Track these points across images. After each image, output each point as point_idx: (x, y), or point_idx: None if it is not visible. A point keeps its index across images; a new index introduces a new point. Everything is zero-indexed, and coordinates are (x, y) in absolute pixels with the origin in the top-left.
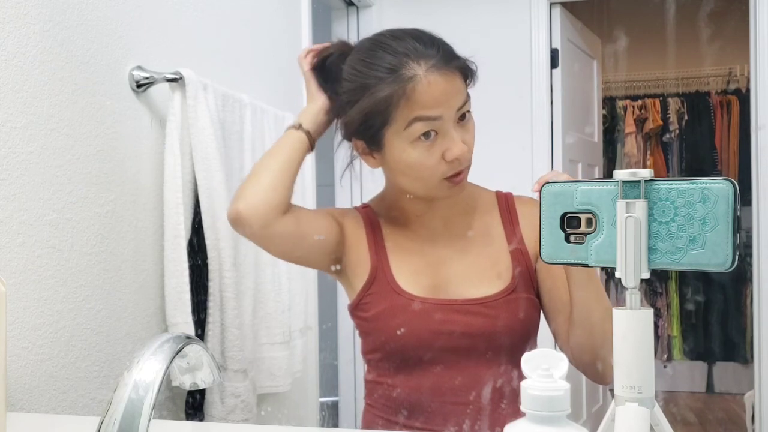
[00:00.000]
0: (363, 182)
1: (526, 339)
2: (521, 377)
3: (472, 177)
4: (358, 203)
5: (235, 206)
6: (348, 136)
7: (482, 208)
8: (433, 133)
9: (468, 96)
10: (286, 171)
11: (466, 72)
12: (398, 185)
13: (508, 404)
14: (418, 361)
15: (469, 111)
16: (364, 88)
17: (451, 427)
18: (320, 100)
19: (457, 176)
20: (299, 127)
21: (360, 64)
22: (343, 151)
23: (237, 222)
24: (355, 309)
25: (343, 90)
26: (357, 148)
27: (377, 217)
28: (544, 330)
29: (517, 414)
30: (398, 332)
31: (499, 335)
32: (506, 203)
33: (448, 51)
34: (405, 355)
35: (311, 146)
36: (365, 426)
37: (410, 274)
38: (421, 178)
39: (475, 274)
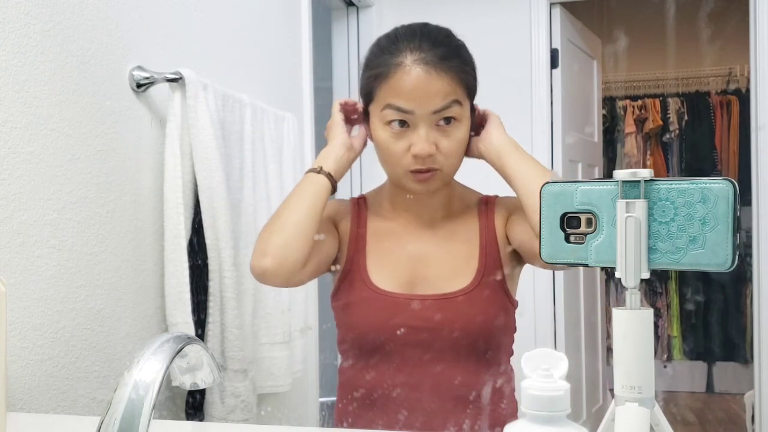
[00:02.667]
0: (363, 181)
1: (486, 337)
2: (480, 374)
3: (472, 176)
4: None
5: (260, 263)
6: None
7: (466, 209)
8: (406, 124)
9: (455, 102)
10: (309, 220)
11: (458, 76)
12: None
13: (471, 402)
14: (379, 354)
15: (455, 118)
16: (371, 63)
17: (413, 420)
18: (341, 136)
19: (420, 173)
20: (320, 170)
21: (369, 52)
22: None
23: (263, 278)
24: (332, 299)
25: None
26: (361, 117)
27: (366, 210)
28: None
29: (480, 413)
30: (361, 324)
31: (456, 334)
32: (486, 204)
33: (447, 51)
34: (365, 346)
35: (334, 189)
36: (337, 413)
37: (385, 268)
38: (388, 162)
39: (443, 272)
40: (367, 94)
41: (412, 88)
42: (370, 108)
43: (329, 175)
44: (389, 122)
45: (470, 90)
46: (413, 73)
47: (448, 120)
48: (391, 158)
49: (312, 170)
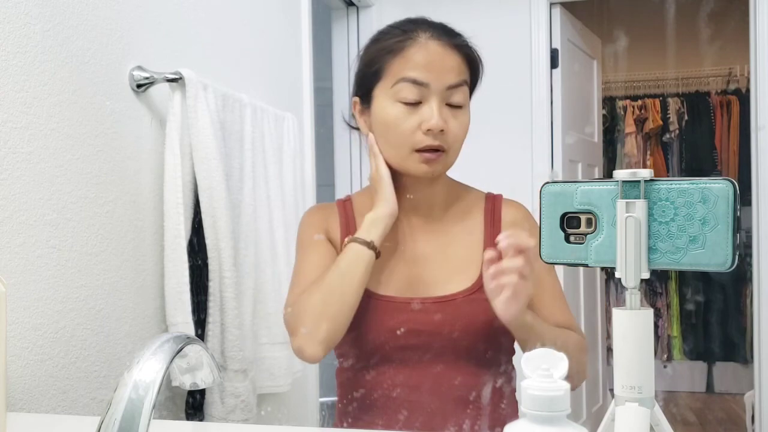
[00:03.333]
0: (362, 182)
1: (487, 340)
2: (480, 375)
3: (472, 176)
4: None
5: (314, 352)
6: (354, 92)
7: (467, 208)
8: (417, 102)
9: (464, 82)
10: (359, 300)
11: (467, 56)
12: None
13: (471, 403)
14: (379, 354)
15: (462, 106)
16: (373, 43)
17: (413, 421)
18: (390, 204)
19: (429, 152)
20: (371, 245)
21: (376, 35)
22: (343, 149)
23: (309, 361)
24: None
25: (358, 57)
26: (354, 109)
27: (353, 212)
28: None
29: (480, 413)
30: (358, 328)
31: (456, 335)
32: (493, 205)
33: (452, 31)
34: (364, 348)
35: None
36: (338, 413)
37: (381, 270)
38: (394, 143)
39: (443, 273)
40: (374, 74)
41: (427, 61)
42: (375, 90)
43: (378, 252)
44: (400, 98)
45: (474, 78)
46: (429, 47)
47: (458, 105)
48: (399, 136)
49: (363, 243)
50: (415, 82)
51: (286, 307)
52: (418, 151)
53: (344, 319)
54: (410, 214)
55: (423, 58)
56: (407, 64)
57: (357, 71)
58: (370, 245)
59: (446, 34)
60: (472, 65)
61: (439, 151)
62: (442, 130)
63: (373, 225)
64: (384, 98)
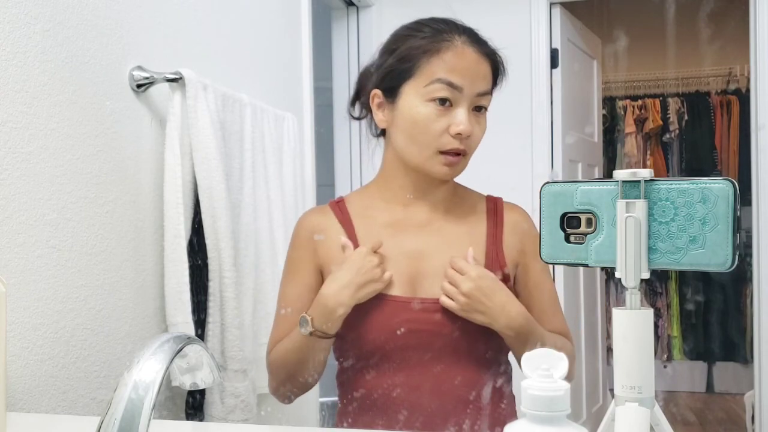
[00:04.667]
0: (362, 182)
1: (487, 340)
2: (480, 375)
3: (472, 175)
4: None
5: (281, 399)
6: (373, 84)
7: (470, 209)
8: (448, 103)
9: (489, 93)
10: (322, 367)
11: (495, 65)
12: (397, 151)
13: (471, 402)
14: (379, 354)
15: (485, 108)
16: (403, 38)
17: (413, 421)
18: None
19: (452, 155)
20: (331, 335)
21: (404, 30)
22: (343, 149)
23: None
24: None
25: (382, 50)
26: (372, 101)
27: (349, 213)
28: None
29: (480, 413)
30: (359, 327)
31: (456, 334)
32: (494, 207)
33: (483, 39)
34: (364, 347)
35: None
36: (338, 414)
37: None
38: (419, 142)
39: (442, 273)
40: (406, 70)
41: (464, 66)
42: (404, 86)
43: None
44: (433, 98)
45: (494, 86)
46: (466, 53)
47: (479, 108)
48: (427, 136)
49: (321, 335)
50: (451, 85)
51: (268, 348)
52: (443, 153)
53: (312, 380)
54: (410, 213)
55: (460, 62)
56: (444, 65)
57: (384, 65)
58: (329, 336)
59: (478, 42)
60: (497, 74)
61: (460, 154)
62: (469, 135)
63: (332, 321)
64: (414, 96)
